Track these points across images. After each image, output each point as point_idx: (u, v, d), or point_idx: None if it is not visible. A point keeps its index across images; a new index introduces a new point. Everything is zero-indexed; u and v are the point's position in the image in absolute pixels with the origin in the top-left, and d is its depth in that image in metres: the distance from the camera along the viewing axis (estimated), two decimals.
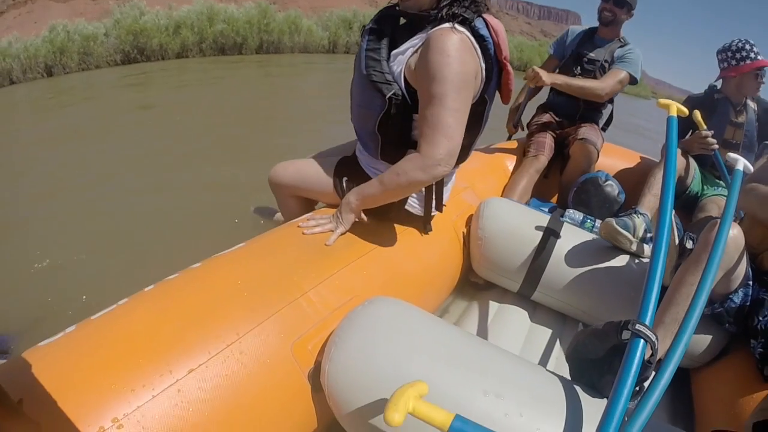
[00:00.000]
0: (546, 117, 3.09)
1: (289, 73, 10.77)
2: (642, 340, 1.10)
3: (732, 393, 1.51)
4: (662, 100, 1.98)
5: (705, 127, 2.43)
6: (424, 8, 1.47)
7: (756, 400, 1.40)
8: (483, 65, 1.45)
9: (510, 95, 1.62)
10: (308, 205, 1.92)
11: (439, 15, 1.41)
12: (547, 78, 2.75)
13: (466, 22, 1.40)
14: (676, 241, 1.82)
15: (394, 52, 1.51)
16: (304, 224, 1.54)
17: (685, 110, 1.98)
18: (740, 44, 2.54)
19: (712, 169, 2.64)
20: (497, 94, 1.63)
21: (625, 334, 1.13)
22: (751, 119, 2.62)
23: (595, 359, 1.21)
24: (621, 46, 2.92)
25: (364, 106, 1.57)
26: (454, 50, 1.36)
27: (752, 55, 2.51)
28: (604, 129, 3.12)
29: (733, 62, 2.54)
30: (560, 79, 2.85)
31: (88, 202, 3.19)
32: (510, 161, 2.98)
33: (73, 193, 3.35)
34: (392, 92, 1.47)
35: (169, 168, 3.83)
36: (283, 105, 7.00)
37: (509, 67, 1.56)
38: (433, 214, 1.73)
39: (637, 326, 1.11)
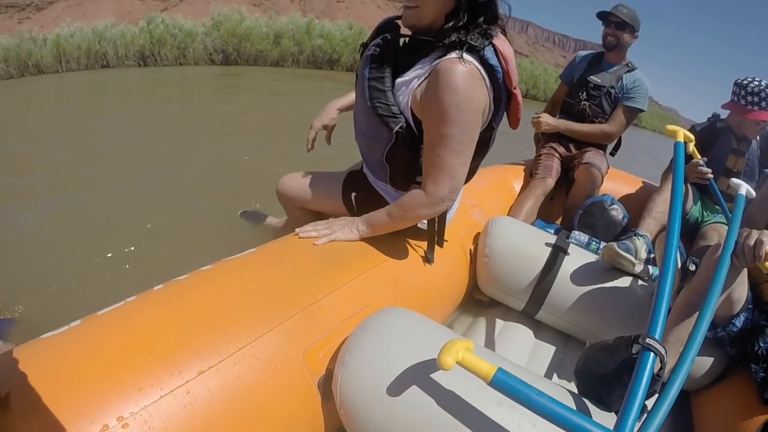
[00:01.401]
0: (554, 140, 3.12)
1: None
2: (652, 354, 1.11)
3: (732, 416, 1.52)
4: (670, 127, 2.02)
5: (699, 157, 2.40)
6: (428, 29, 1.42)
7: (756, 423, 1.40)
8: (491, 95, 1.42)
9: (518, 121, 1.59)
10: (315, 217, 1.91)
11: (446, 41, 1.35)
12: (548, 127, 2.94)
13: (474, 50, 1.36)
14: (678, 264, 1.84)
15: (398, 81, 1.46)
16: (302, 232, 1.52)
17: (692, 137, 2.01)
18: (758, 88, 2.47)
19: (713, 196, 2.64)
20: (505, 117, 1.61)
21: (635, 348, 1.14)
22: (753, 148, 2.62)
23: (604, 374, 1.22)
24: (628, 71, 2.94)
25: (370, 137, 1.56)
26: (463, 88, 1.33)
27: (763, 104, 2.46)
28: (612, 154, 3.15)
29: (742, 102, 2.49)
30: (563, 125, 2.97)
31: (122, 193, 3.29)
32: (517, 182, 3.01)
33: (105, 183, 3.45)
34: (399, 126, 1.45)
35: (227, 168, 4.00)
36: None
37: (518, 95, 1.53)
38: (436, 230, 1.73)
39: (648, 340, 1.13)
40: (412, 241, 1.72)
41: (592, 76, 3.01)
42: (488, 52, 1.38)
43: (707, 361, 1.68)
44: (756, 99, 2.46)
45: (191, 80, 9.58)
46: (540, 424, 1.00)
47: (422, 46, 1.42)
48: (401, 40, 1.50)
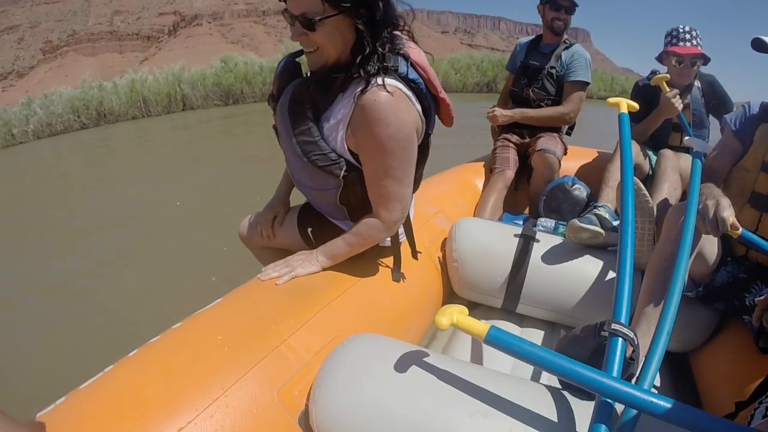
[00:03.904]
0: (507, 131, 3.13)
1: None
2: (620, 339, 1.11)
3: (733, 369, 1.53)
4: (612, 99, 2.05)
5: (668, 89, 2.45)
6: (337, 65, 1.38)
7: (756, 373, 1.40)
8: (420, 108, 1.42)
9: (451, 119, 1.59)
10: (281, 254, 1.89)
11: (362, 73, 1.33)
12: (504, 118, 2.97)
13: (391, 71, 1.35)
14: (654, 227, 1.85)
15: (325, 127, 1.43)
16: (263, 275, 1.50)
17: (635, 105, 2.03)
18: (676, 30, 2.57)
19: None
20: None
21: (603, 335, 1.14)
22: (696, 97, 2.65)
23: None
24: (566, 48, 2.97)
25: (317, 189, 1.56)
26: (392, 116, 1.32)
27: (678, 41, 2.55)
28: (568, 134, 3.18)
29: (665, 47, 2.60)
30: (518, 114, 2.99)
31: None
32: (479, 179, 3.01)
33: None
34: (344, 170, 1.44)
35: None
36: None
37: (445, 98, 1.53)
38: (401, 239, 1.74)
39: (613, 326, 1.13)
40: (377, 260, 1.71)
41: (530, 61, 3.04)
42: (403, 67, 1.37)
43: (697, 320, 1.69)
44: (674, 39, 2.56)
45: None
46: None
47: (335, 81, 1.39)
48: (310, 82, 1.45)
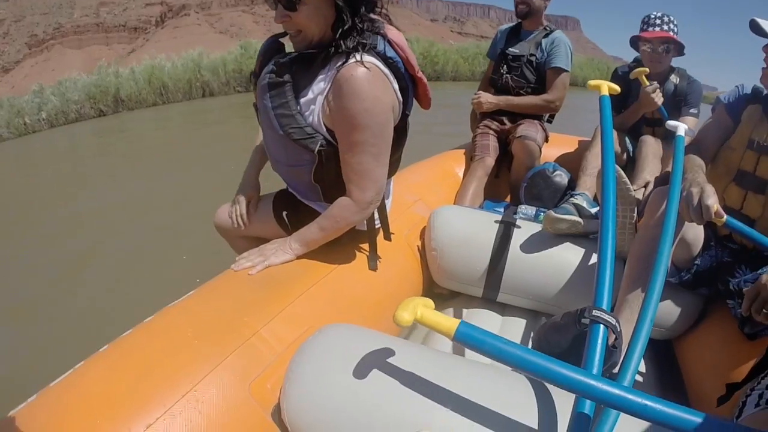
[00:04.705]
0: (487, 118, 3.11)
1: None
2: (602, 326, 1.09)
3: (718, 356, 1.52)
4: (592, 82, 2.03)
5: (648, 83, 2.45)
6: (321, 43, 1.41)
7: (741, 359, 1.41)
8: (397, 87, 1.43)
9: (429, 102, 1.61)
10: (258, 243, 1.87)
11: (341, 50, 1.35)
12: (489, 105, 2.94)
13: (370, 48, 1.37)
14: (635, 215, 1.84)
15: (303, 100, 1.44)
16: (236, 266, 1.49)
17: (617, 88, 2.02)
18: (654, 15, 2.59)
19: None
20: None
21: (585, 322, 1.12)
22: (669, 91, 2.65)
23: (561, 352, 1.19)
24: (546, 35, 2.94)
25: (292, 165, 1.55)
26: (368, 91, 1.33)
27: (648, 27, 2.56)
28: (549, 121, 3.15)
29: (640, 31, 2.60)
30: (503, 101, 2.96)
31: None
32: (459, 168, 2.99)
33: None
34: (319, 144, 1.44)
35: None
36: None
37: (423, 78, 1.54)
38: (377, 225, 1.72)
39: (594, 312, 1.11)
40: (354, 248, 1.69)
41: (510, 48, 3.01)
42: (381, 45, 1.39)
43: (680, 307, 1.69)
44: (644, 25, 2.59)
45: None
46: None
47: (315, 58, 1.40)
48: (291, 58, 1.46)
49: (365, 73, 1.32)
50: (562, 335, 1.20)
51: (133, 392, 1.02)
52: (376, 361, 1.10)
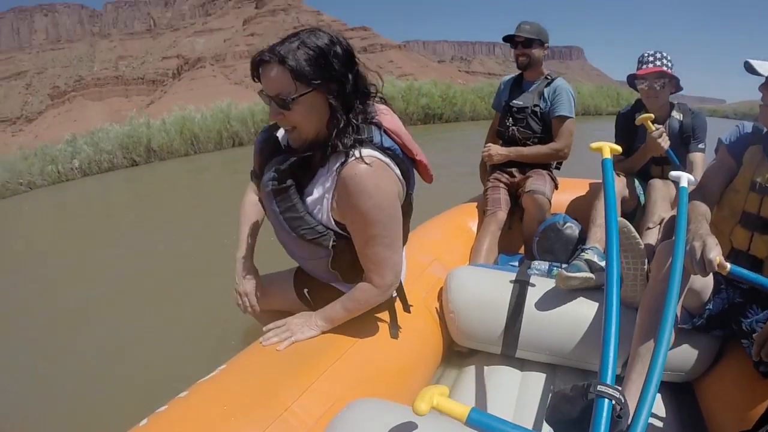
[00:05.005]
0: (497, 170, 3.17)
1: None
2: (606, 400, 1.15)
3: (737, 396, 1.55)
4: (594, 144, 2.04)
5: (654, 128, 2.49)
6: (316, 141, 1.44)
7: (760, 398, 1.43)
8: (399, 172, 1.48)
9: (431, 177, 1.67)
10: (280, 314, 1.86)
11: (339, 149, 1.39)
12: (499, 157, 3.00)
13: (367, 142, 1.41)
14: (646, 267, 1.88)
15: (309, 200, 1.50)
16: (264, 340, 1.54)
17: (618, 148, 2.03)
18: (648, 54, 2.65)
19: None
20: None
21: (591, 396, 1.18)
22: (674, 128, 2.70)
23: (571, 420, 1.25)
24: (547, 84, 3.00)
25: (309, 259, 1.64)
26: (373, 186, 1.38)
27: (648, 62, 2.62)
28: (558, 167, 3.20)
29: (636, 70, 2.67)
30: (513, 152, 3.01)
31: None
32: (473, 222, 3.04)
33: None
34: (332, 240, 1.51)
35: None
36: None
37: (422, 159, 1.60)
38: (394, 296, 1.76)
39: (599, 387, 1.17)
40: (374, 318, 1.75)
41: (514, 101, 3.08)
42: (377, 136, 1.44)
43: (696, 350, 1.72)
44: (639, 64, 2.66)
45: None
46: None
47: (313, 157, 1.47)
48: (290, 159, 1.49)
49: (367, 169, 1.37)
50: (571, 405, 1.24)
51: None
52: None
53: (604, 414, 1.12)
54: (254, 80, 1.42)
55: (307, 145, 1.45)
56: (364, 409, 1.28)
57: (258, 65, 1.38)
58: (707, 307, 1.67)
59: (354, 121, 1.41)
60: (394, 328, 1.74)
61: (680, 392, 1.82)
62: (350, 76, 1.39)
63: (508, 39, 3.02)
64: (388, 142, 1.46)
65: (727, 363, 1.71)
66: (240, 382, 1.37)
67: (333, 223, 1.50)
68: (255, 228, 1.86)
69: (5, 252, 5.96)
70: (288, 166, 1.47)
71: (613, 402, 1.15)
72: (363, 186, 1.37)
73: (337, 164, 1.41)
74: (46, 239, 6.17)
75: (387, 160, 1.44)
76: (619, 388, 1.18)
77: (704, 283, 1.63)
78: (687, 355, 1.71)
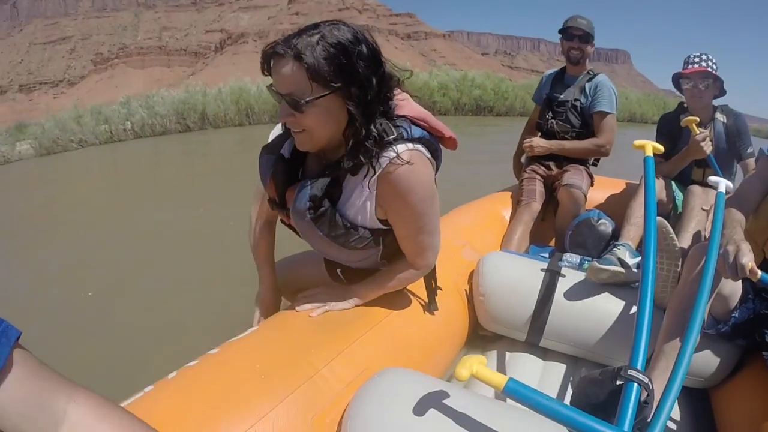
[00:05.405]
0: (534, 163, 3.18)
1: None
2: (635, 384, 1.17)
3: (753, 407, 1.53)
4: (637, 142, 2.08)
5: (698, 131, 2.46)
6: (331, 147, 1.37)
7: None
8: (429, 155, 1.41)
9: (455, 143, 1.53)
10: None
11: (374, 153, 1.29)
12: (541, 149, 2.99)
13: (400, 140, 1.32)
14: (679, 268, 1.89)
15: (350, 214, 1.43)
16: (298, 305, 1.56)
17: (661, 147, 2.05)
18: (693, 55, 2.62)
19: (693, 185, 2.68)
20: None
21: (621, 379, 1.20)
22: (720, 131, 2.67)
23: (597, 404, 1.27)
24: (589, 80, 3.00)
25: (359, 260, 1.62)
26: (415, 182, 1.34)
27: (693, 63, 2.59)
28: (595, 164, 3.19)
29: (681, 70, 2.64)
30: (555, 145, 3.01)
31: None
32: (506, 211, 3.05)
33: None
34: (381, 240, 1.51)
35: None
36: None
37: (452, 136, 1.50)
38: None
39: (630, 372, 1.19)
40: (405, 294, 1.78)
41: (555, 93, 3.09)
42: (407, 130, 1.35)
43: (718, 357, 1.71)
44: (684, 64, 2.64)
45: None
46: None
47: (342, 172, 1.37)
48: (319, 185, 1.39)
49: (408, 168, 1.31)
50: (599, 388, 1.26)
51: (204, 419, 1.08)
52: (431, 406, 1.19)
53: (632, 398, 1.15)
54: (264, 74, 1.29)
55: (322, 150, 1.39)
56: (395, 378, 1.31)
57: (270, 58, 1.24)
58: (733, 314, 1.67)
59: (374, 130, 1.29)
60: (432, 304, 1.78)
61: (695, 399, 1.81)
62: (374, 80, 1.25)
63: (564, 31, 3.01)
64: (417, 132, 1.38)
65: (746, 374, 1.70)
66: (271, 343, 1.41)
67: (378, 223, 1.46)
68: (273, 266, 1.81)
69: (55, 205, 6.22)
70: (323, 192, 1.38)
71: (642, 387, 1.17)
72: (407, 185, 1.34)
73: (374, 171, 1.33)
74: (95, 195, 6.35)
75: (422, 149, 1.38)
76: (648, 375, 1.21)
77: (733, 290, 1.63)
78: (708, 361, 1.70)
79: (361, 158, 1.29)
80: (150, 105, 11.08)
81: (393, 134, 1.30)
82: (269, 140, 1.54)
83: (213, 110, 11.38)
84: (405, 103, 1.41)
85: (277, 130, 1.57)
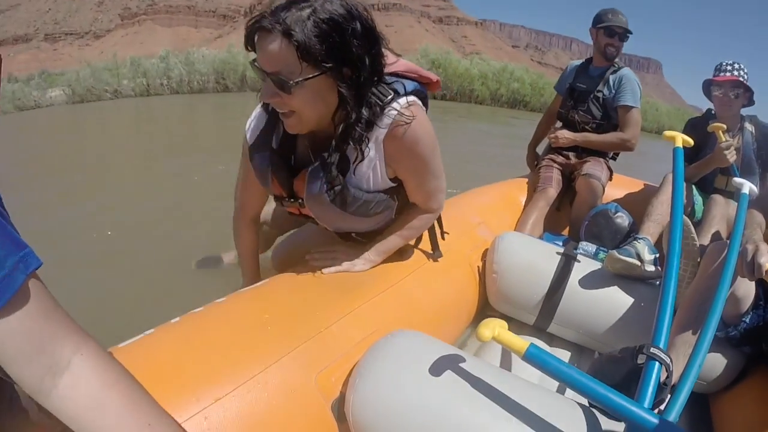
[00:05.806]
0: (552, 152, 3.16)
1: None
2: (657, 363, 1.16)
3: (753, 417, 1.51)
4: (668, 132, 2.05)
5: (724, 139, 2.44)
6: (321, 128, 1.32)
7: None
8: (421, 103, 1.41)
9: (439, 85, 1.54)
10: None
11: (376, 117, 1.28)
12: (566, 141, 2.97)
13: (397, 97, 1.31)
14: (698, 259, 1.87)
15: (361, 182, 1.40)
16: (314, 262, 1.55)
17: (690, 141, 2.03)
18: (725, 63, 2.59)
19: (715, 193, 2.64)
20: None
21: (641, 358, 1.18)
22: (748, 141, 2.63)
23: (612, 385, 1.25)
24: (614, 72, 2.95)
25: (378, 223, 1.60)
26: (422, 133, 1.35)
27: (725, 71, 2.56)
28: (614, 159, 3.15)
29: (712, 77, 2.60)
30: (580, 138, 2.98)
31: None
32: (522, 196, 3.04)
33: None
34: (395, 199, 1.51)
35: None
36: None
37: (438, 79, 1.51)
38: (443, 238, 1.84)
39: (652, 349, 1.17)
40: (419, 262, 1.77)
41: (578, 83, 3.04)
42: (401, 86, 1.34)
43: (722, 362, 1.68)
44: (715, 71, 2.59)
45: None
46: None
47: (345, 148, 1.32)
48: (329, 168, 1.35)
49: (412, 125, 1.31)
50: (617, 367, 1.24)
51: (205, 365, 1.06)
52: (441, 370, 1.17)
53: (653, 375, 1.13)
54: (247, 49, 1.19)
55: (313, 131, 1.34)
56: (409, 339, 1.29)
57: (255, 32, 1.15)
58: (743, 319, 1.65)
59: (365, 115, 1.25)
60: (437, 249, 1.81)
61: (694, 403, 1.79)
62: (368, 60, 1.20)
63: (606, 27, 2.94)
64: (410, 86, 1.37)
65: (749, 383, 1.67)
66: (281, 296, 1.40)
67: (388, 181, 1.45)
68: (257, 258, 1.76)
69: (86, 150, 6.28)
70: (336, 173, 1.33)
71: (663, 366, 1.15)
72: (415, 138, 1.34)
73: (374, 133, 1.32)
74: (126, 143, 6.38)
75: (418, 100, 1.38)
76: (670, 355, 1.19)
77: (746, 292, 1.60)
78: (713, 365, 1.67)
79: (355, 134, 1.26)
80: (190, 62, 11.01)
81: (390, 94, 1.29)
82: (247, 134, 1.47)
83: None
84: (393, 61, 1.37)
85: (253, 117, 1.48)
